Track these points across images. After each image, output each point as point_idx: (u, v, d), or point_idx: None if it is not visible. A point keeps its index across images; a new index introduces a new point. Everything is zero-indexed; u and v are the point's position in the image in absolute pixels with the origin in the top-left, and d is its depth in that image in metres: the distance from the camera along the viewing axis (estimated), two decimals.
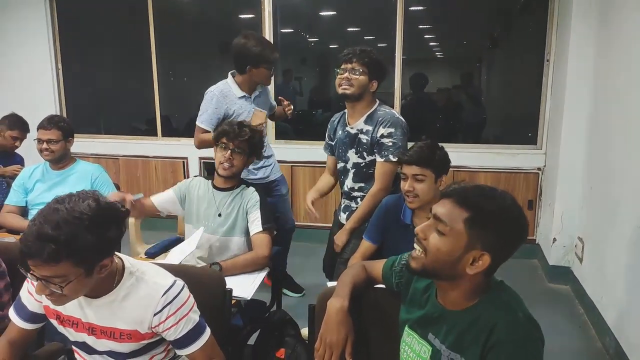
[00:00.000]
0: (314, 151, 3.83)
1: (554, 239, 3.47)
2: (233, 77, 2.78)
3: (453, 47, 4.48)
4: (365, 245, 2.02)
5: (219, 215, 2.13)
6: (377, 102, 2.24)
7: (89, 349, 1.32)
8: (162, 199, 2.22)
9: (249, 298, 1.79)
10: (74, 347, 1.37)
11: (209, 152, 4.39)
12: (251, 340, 2.02)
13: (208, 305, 1.43)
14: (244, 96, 2.75)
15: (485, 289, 1.12)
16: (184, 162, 4.62)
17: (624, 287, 2.42)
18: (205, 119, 2.71)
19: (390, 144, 2.12)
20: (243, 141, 2.09)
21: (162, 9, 4.55)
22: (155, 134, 4.75)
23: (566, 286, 3.39)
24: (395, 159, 2.10)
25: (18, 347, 1.36)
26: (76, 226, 1.08)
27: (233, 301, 1.69)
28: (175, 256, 1.94)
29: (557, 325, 2.89)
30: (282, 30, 4.46)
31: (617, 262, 2.51)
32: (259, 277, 1.92)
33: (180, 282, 1.30)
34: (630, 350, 2.29)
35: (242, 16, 4.66)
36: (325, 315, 1.31)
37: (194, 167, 4.60)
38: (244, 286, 1.83)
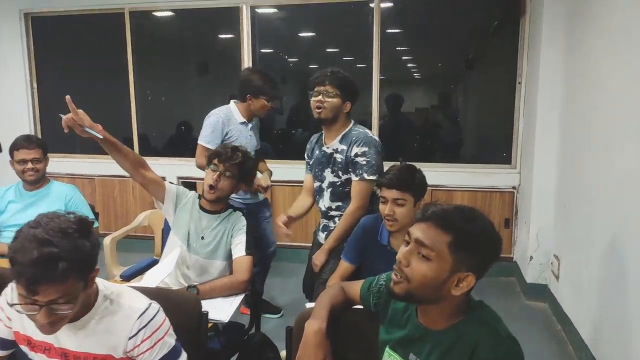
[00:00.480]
0: (293, 170, 3.83)
1: (531, 257, 3.52)
2: (235, 103, 2.95)
3: (430, 68, 4.59)
4: (344, 265, 2.02)
5: (202, 238, 2.09)
6: (352, 122, 2.28)
7: None
8: (170, 193, 2.15)
9: (226, 321, 1.76)
10: None
11: (186, 171, 4.45)
12: None
13: (184, 329, 1.40)
14: (244, 122, 2.91)
15: (465, 308, 1.13)
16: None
17: (599, 303, 2.47)
18: (210, 140, 2.82)
19: (364, 162, 2.14)
20: (234, 165, 2.06)
21: (140, 28, 4.55)
22: None
23: (544, 303, 3.44)
24: (369, 177, 2.13)
25: None
26: (72, 239, 1.09)
27: (210, 324, 1.66)
28: (151, 278, 1.90)
29: (535, 341, 2.91)
30: (262, 51, 4.51)
31: (592, 279, 2.56)
32: (236, 299, 1.90)
33: (155, 305, 1.28)
34: None
35: (221, 36, 4.70)
36: (302, 337, 1.30)
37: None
38: (222, 309, 1.80)
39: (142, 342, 1.23)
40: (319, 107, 2.18)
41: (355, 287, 1.41)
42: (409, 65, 4.71)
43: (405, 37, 4.39)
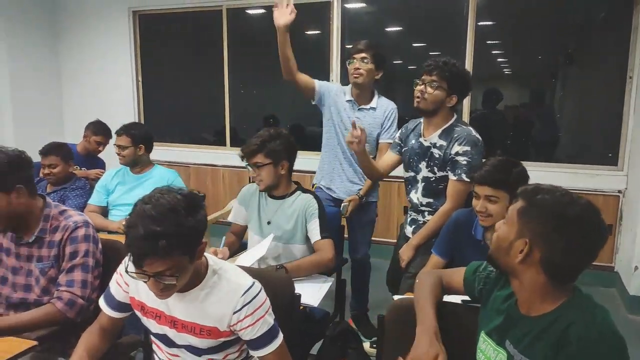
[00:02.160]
0: None
1: (636, 267, 3.22)
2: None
3: (523, 63, 4.32)
4: (434, 259, 1.98)
5: (268, 223, 2.12)
6: (455, 117, 2.16)
7: (168, 342, 1.37)
8: (239, 217, 2.25)
9: (316, 305, 1.80)
10: (153, 339, 1.43)
11: None
12: (313, 350, 2.02)
13: (276, 309, 1.45)
14: (351, 100, 2.72)
15: (565, 296, 1.09)
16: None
17: None
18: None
19: (465, 162, 2.05)
20: (255, 154, 2.03)
21: (234, 25, 4.76)
22: (224, 144, 4.94)
23: None
24: (468, 179, 2.03)
25: (108, 333, 1.46)
26: (176, 216, 1.15)
27: (300, 307, 1.71)
28: (244, 261, 1.99)
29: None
30: (348, 47, 4.52)
31: None
32: (325, 285, 1.93)
33: (258, 284, 1.34)
34: None
35: (308, 32, 4.78)
36: (415, 342, 1.24)
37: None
38: (311, 293, 1.84)
39: (245, 317, 1.29)
40: (418, 97, 2.11)
41: (457, 274, 1.39)
42: (499, 60, 4.48)
43: (499, 30, 4.18)
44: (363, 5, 4.41)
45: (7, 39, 4.88)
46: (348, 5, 4.36)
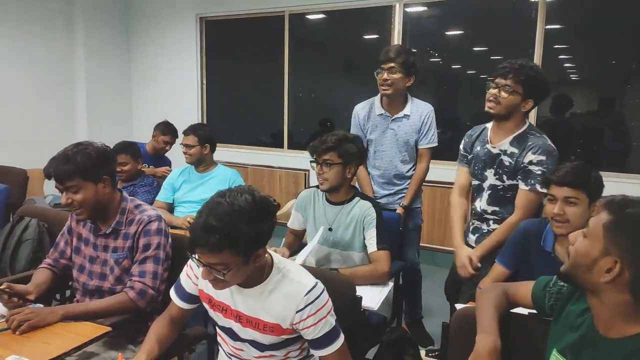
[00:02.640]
0: (437, 171, 3.74)
1: None
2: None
3: (593, 69, 4.10)
4: (498, 270, 1.91)
5: (330, 229, 2.12)
6: (527, 123, 2.06)
7: (234, 335, 1.42)
8: (295, 222, 2.28)
9: (376, 309, 1.79)
10: (219, 332, 1.48)
11: None
12: (369, 354, 2.01)
13: (337, 310, 1.45)
14: (382, 114, 2.65)
15: None
16: (306, 174, 4.82)
17: None
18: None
19: (539, 172, 1.95)
20: (327, 150, 2.01)
21: (296, 30, 4.84)
22: (282, 146, 5.03)
23: None
24: (542, 190, 1.94)
25: (177, 323, 1.53)
26: (236, 218, 1.18)
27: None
28: (300, 255, 2.01)
29: None
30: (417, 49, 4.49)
31: None
32: (385, 289, 1.92)
33: (321, 285, 1.35)
34: None
35: (366, 36, 4.77)
36: (473, 353, 1.21)
37: (315, 180, 4.77)
38: (371, 297, 1.83)
39: (307, 317, 1.30)
40: (492, 101, 2.01)
41: (525, 288, 1.32)
42: (565, 65, 4.27)
43: (567, 34, 3.99)
44: (424, 8, 4.36)
45: (84, 44, 5.23)
46: (409, 9, 4.33)
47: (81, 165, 1.66)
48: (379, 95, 2.67)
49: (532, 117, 3.85)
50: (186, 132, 2.98)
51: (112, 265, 1.79)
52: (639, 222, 1.00)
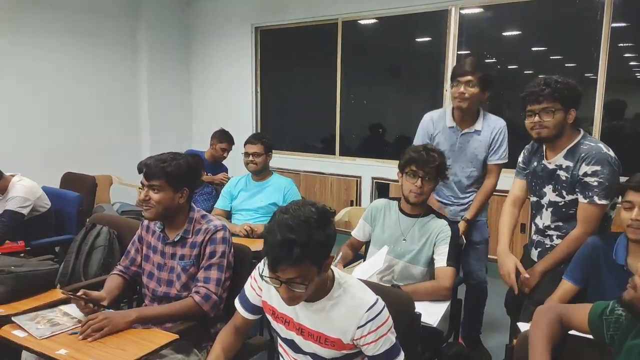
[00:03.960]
0: None
1: None
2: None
3: None
4: (566, 286, 1.83)
5: (404, 240, 2.13)
6: (581, 132, 1.97)
7: (295, 348, 1.45)
8: (361, 233, 2.29)
9: (435, 325, 1.78)
10: (281, 343, 1.52)
11: (380, 172, 4.59)
12: None
13: (396, 326, 1.45)
14: (453, 127, 2.59)
15: None
16: (357, 180, 4.83)
17: None
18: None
19: (596, 183, 1.86)
20: (433, 167, 2.05)
21: (348, 36, 4.87)
22: (334, 153, 5.06)
23: None
24: (601, 202, 1.87)
25: (241, 332, 1.59)
26: (309, 227, 1.22)
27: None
28: (362, 272, 2.02)
29: None
30: (460, 52, 4.39)
31: None
32: (444, 304, 1.90)
33: (382, 302, 1.36)
34: None
35: (418, 40, 4.71)
36: None
37: (367, 186, 4.77)
38: (430, 312, 1.82)
39: (368, 333, 1.32)
40: (538, 129, 1.93)
41: (581, 312, 1.27)
42: (631, 63, 4.02)
43: (635, 32, 3.77)
44: (480, 10, 4.25)
45: (148, 56, 5.50)
46: (464, 12, 4.24)
47: (170, 171, 1.81)
48: (450, 107, 2.62)
49: (597, 126, 3.66)
50: (252, 141, 3.02)
51: (179, 272, 1.87)
52: None
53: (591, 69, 3.69)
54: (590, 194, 1.89)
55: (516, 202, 2.26)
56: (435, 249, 2.06)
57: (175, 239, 1.89)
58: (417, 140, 2.65)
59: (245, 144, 3.07)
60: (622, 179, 1.83)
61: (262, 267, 1.41)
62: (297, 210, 1.27)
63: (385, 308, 1.36)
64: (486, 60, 4.43)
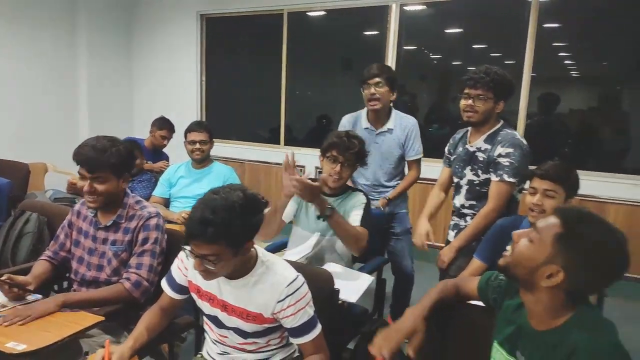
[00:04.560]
0: (429, 168, 3.83)
1: None
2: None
3: (591, 67, 4.17)
4: (476, 264, 2.01)
5: (323, 219, 2.16)
6: (501, 122, 2.20)
7: (219, 323, 1.52)
8: (287, 211, 2.31)
9: (354, 301, 1.89)
10: (206, 320, 1.59)
11: None
12: (351, 345, 2.11)
13: (316, 302, 1.55)
14: (368, 128, 2.72)
15: (570, 310, 1.11)
16: (301, 170, 4.91)
17: None
18: None
19: (507, 163, 2.08)
20: (352, 153, 2.12)
21: (294, 28, 4.93)
22: (278, 142, 5.13)
23: None
24: (510, 179, 2.08)
25: (167, 313, 1.64)
26: (230, 213, 1.29)
27: (340, 302, 1.80)
28: (290, 256, 2.12)
29: None
30: (405, 48, 4.56)
31: None
32: (365, 282, 2.02)
33: (301, 278, 1.46)
34: None
35: (366, 33, 4.85)
36: (401, 318, 1.37)
37: (311, 175, 4.86)
38: (351, 289, 1.93)
39: (287, 307, 1.41)
40: (469, 112, 2.14)
41: (473, 281, 1.43)
42: (565, 62, 4.34)
43: (565, 33, 4.07)
44: (423, 7, 4.41)
45: (87, 41, 5.33)
46: (407, 8, 4.39)
47: (114, 161, 1.82)
48: (365, 109, 2.76)
49: (522, 117, 3.92)
50: (197, 129, 3.02)
51: (110, 257, 1.89)
52: (590, 239, 1.07)
53: (522, 66, 3.93)
54: (501, 172, 2.09)
55: (442, 186, 2.47)
56: (351, 214, 2.14)
57: (108, 224, 1.90)
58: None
59: (188, 132, 3.06)
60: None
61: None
62: (226, 193, 1.34)
63: (305, 284, 1.46)
64: (429, 56, 4.65)
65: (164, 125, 3.79)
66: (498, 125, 2.18)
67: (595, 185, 3.66)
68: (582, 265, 1.06)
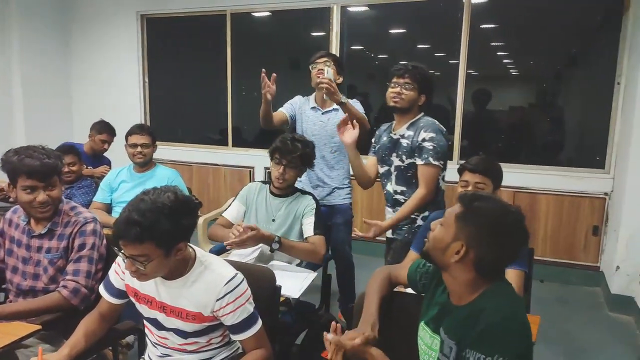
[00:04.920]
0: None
1: (617, 267, 3.33)
2: None
3: (524, 65, 4.42)
4: (412, 255, 2.11)
5: (273, 220, 2.31)
6: (422, 113, 2.37)
7: (158, 325, 1.53)
8: (234, 213, 2.42)
9: (297, 297, 1.95)
10: (145, 323, 1.59)
11: None
12: (299, 340, 2.17)
13: (260, 300, 1.59)
14: (315, 107, 2.91)
15: (485, 285, 1.22)
16: (250, 171, 4.92)
17: None
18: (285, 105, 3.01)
19: (431, 147, 2.23)
20: (295, 157, 2.24)
21: (239, 28, 4.91)
22: (227, 144, 5.10)
23: (628, 316, 3.24)
24: (435, 162, 2.23)
25: (106, 319, 1.62)
26: (157, 214, 1.30)
27: (282, 298, 1.85)
28: (236, 257, 2.14)
29: (614, 355, 2.79)
30: (353, 47, 4.67)
31: None
32: (308, 278, 2.07)
33: (240, 275, 1.49)
34: None
35: (313, 34, 4.91)
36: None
37: (260, 176, 4.88)
38: (294, 286, 1.99)
39: (227, 304, 1.44)
40: (395, 98, 2.29)
41: (404, 269, 1.53)
42: (505, 61, 4.59)
43: (500, 33, 4.30)
44: (365, 9, 4.52)
45: (20, 44, 5.07)
46: (350, 9, 4.49)
47: (59, 166, 1.83)
48: (313, 94, 2.94)
49: (459, 112, 4.11)
50: (139, 132, 2.97)
51: (46, 266, 1.85)
52: (482, 213, 1.20)
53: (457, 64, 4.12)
54: (426, 155, 2.24)
55: (369, 169, 2.56)
56: (303, 221, 2.27)
57: (42, 232, 1.86)
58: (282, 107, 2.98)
59: (129, 135, 3.00)
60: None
61: None
62: (156, 194, 1.35)
63: (244, 281, 1.49)
64: (373, 56, 4.78)
65: (103, 129, 3.69)
66: (420, 115, 2.35)
67: (527, 177, 3.90)
68: (482, 239, 1.19)
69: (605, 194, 3.72)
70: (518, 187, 3.88)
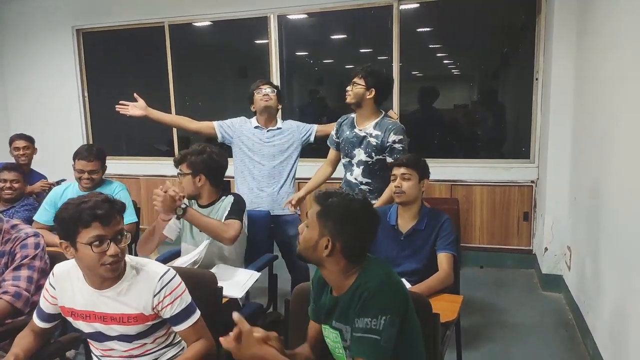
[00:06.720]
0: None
1: (546, 249, 3.62)
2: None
3: (461, 65, 4.71)
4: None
5: (201, 230, 2.29)
6: (383, 113, 2.66)
7: (101, 337, 1.57)
8: (171, 229, 2.42)
9: (239, 297, 2.03)
10: (88, 340, 1.63)
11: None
12: None
13: (202, 302, 1.66)
14: (258, 126, 3.02)
15: (357, 269, 1.37)
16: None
17: (601, 291, 2.57)
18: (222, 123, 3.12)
19: (400, 148, 2.55)
20: (191, 163, 2.33)
21: (178, 39, 4.93)
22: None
23: (558, 294, 3.53)
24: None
25: (39, 337, 1.66)
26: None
27: (225, 299, 1.93)
28: (180, 261, 2.20)
29: (547, 331, 3.04)
30: (297, 54, 4.82)
31: (596, 269, 2.66)
32: (251, 279, 2.16)
33: (172, 271, 1.57)
34: (604, 350, 2.44)
35: (257, 42, 4.99)
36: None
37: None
38: (236, 287, 2.07)
39: (164, 297, 1.52)
40: (347, 94, 2.62)
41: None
42: (445, 62, 4.87)
43: (435, 36, 4.59)
44: (304, 16, 4.64)
45: None
46: (290, 17, 4.61)
47: None
48: (253, 117, 3.07)
49: (396, 112, 4.30)
50: (87, 158, 2.83)
51: None
52: (337, 209, 1.35)
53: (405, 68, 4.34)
54: (397, 155, 2.51)
55: (331, 162, 2.91)
56: (224, 215, 2.29)
57: None
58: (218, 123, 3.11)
59: (76, 159, 2.88)
60: None
61: (53, 274, 1.55)
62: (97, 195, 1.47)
63: (177, 276, 1.57)
64: (312, 62, 4.91)
65: (16, 137, 3.64)
66: (382, 116, 2.64)
67: (462, 170, 4.14)
68: (341, 229, 1.33)
69: (532, 182, 4.02)
70: (454, 180, 4.12)
